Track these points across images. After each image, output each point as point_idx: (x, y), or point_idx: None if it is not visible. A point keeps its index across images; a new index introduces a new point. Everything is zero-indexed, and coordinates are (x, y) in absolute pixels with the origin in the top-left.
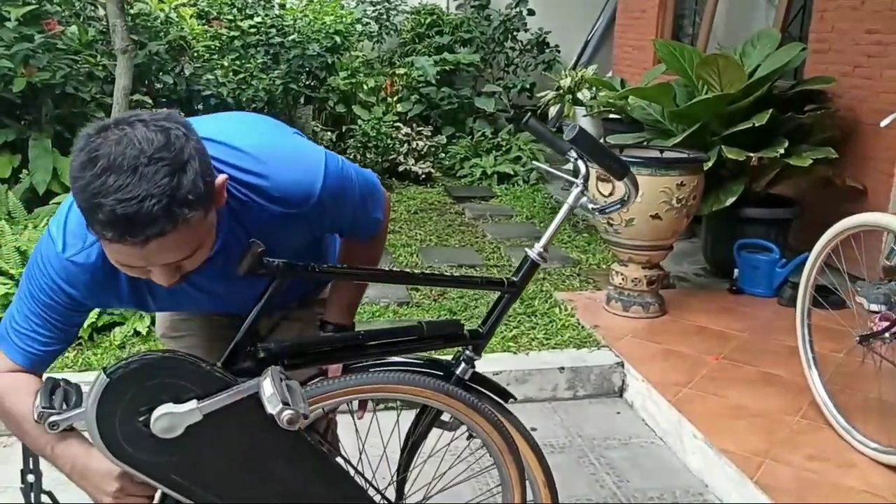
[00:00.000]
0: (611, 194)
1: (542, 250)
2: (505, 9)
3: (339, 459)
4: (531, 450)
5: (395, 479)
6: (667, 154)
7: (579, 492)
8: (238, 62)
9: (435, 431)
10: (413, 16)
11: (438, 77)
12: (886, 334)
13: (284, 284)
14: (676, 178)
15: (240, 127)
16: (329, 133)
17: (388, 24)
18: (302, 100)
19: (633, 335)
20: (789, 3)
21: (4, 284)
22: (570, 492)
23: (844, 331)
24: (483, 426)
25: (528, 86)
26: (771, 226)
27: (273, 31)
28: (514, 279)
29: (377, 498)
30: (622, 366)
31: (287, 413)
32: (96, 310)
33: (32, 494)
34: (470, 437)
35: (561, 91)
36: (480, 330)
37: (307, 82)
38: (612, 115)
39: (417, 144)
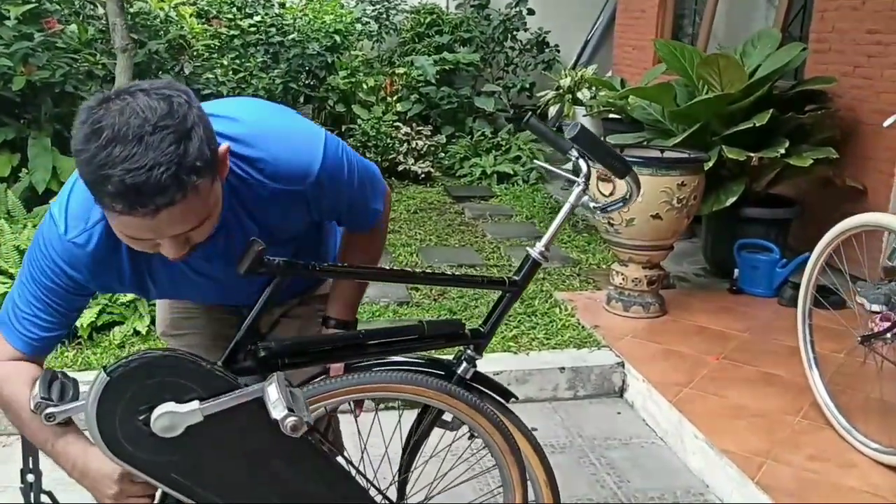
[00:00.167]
0: (611, 194)
1: (543, 249)
2: (505, 8)
3: (340, 459)
4: (533, 450)
5: (396, 479)
6: (667, 154)
7: (580, 492)
8: (238, 61)
9: (437, 431)
10: (413, 15)
11: (438, 76)
12: (888, 335)
13: (285, 282)
14: (677, 178)
15: (241, 105)
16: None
17: (387, 23)
18: (301, 99)
19: (634, 335)
20: (790, 3)
21: (3, 283)
22: (571, 492)
23: (845, 331)
24: (484, 426)
25: (527, 85)
26: (771, 226)
27: (273, 30)
28: (516, 278)
29: (378, 498)
30: (622, 366)
31: (291, 419)
32: (96, 309)
33: (32, 494)
34: (471, 437)
35: (561, 91)
36: (482, 329)
37: (307, 81)
38: (612, 115)
39: (417, 144)
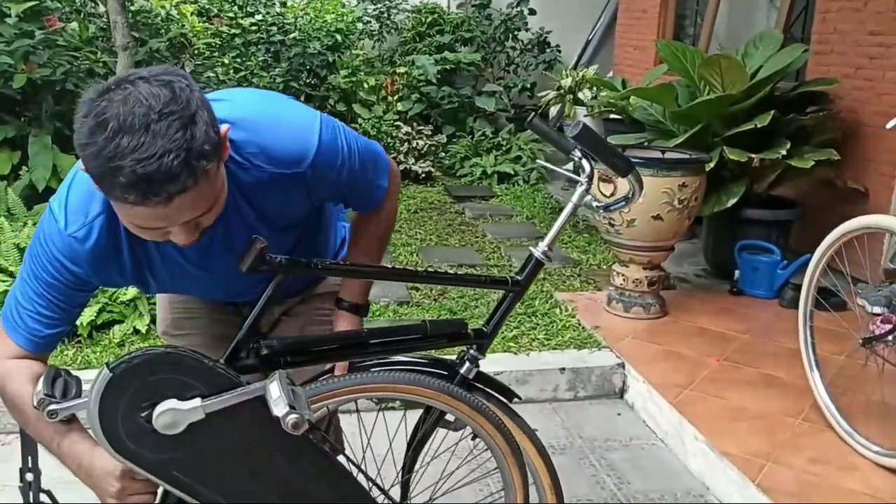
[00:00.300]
0: (612, 194)
1: (546, 249)
2: (506, 8)
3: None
4: (537, 451)
5: (399, 479)
6: (669, 155)
7: (580, 493)
8: (239, 60)
9: (441, 431)
10: (414, 14)
11: (439, 76)
12: (889, 337)
13: (286, 280)
14: (678, 178)
15: (234, 91)
16: None
17: (388, 22)
18: (302, 98)
19: (634, 336)
20: (791, 4)
21: (4, 282)
22: (571, 493)
23: (845, 333)
24: (486, 428)
25: (528, 85)
26: (772, 227)
27: (274, 28)
28: (519, 278)
29: (381, 498)
30: (623, 367)
31: (292, 417)
32: (95, 308)
33: (31, 493)
34: (474, 437)
35: (562, 91)
36: (485, 329)
37: (308, 80)
38: (613, 116)
39: (418, 143)
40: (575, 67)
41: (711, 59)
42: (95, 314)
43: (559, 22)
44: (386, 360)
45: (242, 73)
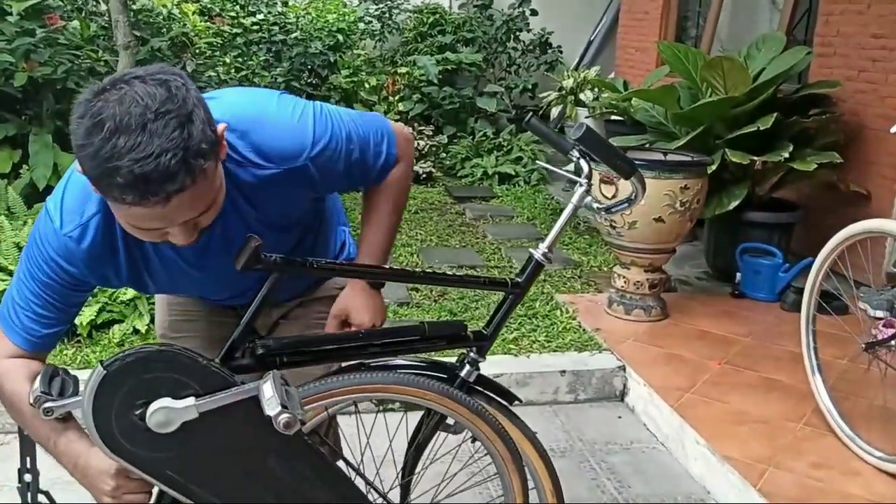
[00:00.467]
0: (614, 196)
1: (546, 250)
2: (507, 9)
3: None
4: (538, 455)
5: (398, 481)
6: (671, 157)
7: (580, 496)
8: (240, 59)
9: (441, 434)
10: (415, 15)
11: (440, 76)
12: (892, 342)
13: (283, 280)
14: (680, 181)
15: (227, 91)
16: None
17: (390, 22)
18: (304, 98)
19: (635, 339)
20: (794, 6)
21: (3, 280)
22: (571, 496)
23: (847, 337)
24: (485, 432)
25: (530, 86)
26: (774, 230)
27: (275, 28)
28: (519, 280)
29: (380, 501)
30: (624, 369)
31: (284, 416)
32: (95, 307)
33: (29, 494)
34: (474, 440)
35: (563, 92)
36: (484, 332)
37: (309, 80)
38: (614, 117)
39: (418, 144)
40: (576, 68)
41: (714, 61)
42: (95, 314)
43: (561, 23)
44: (384, 365)
45: (244, 73)
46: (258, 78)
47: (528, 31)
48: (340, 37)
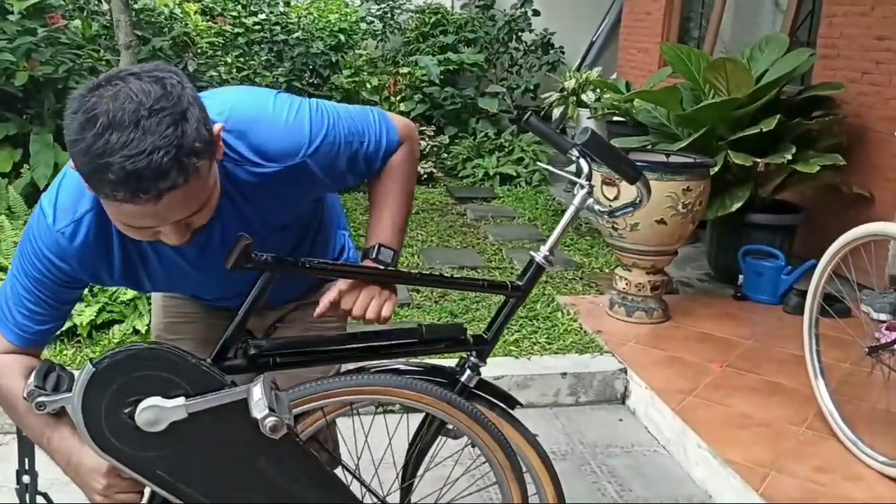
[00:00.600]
0: (616, 198)
1: (548, 253)
2: (510, 9)
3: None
4: (540, 460)
5: (397, 486)
6: (673, 159)
7: (581, 499)
8: (242, 59)
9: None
10: (417, 15)
11: (442, 77)
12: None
13: (277, 280)
14: (683, 183)
15: (221, 90)
16: None
17: (392, 22)
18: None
19: (637, 341)
20: (798, 7)
21: (3, 280)
22: (572, 499)
23: (850, 339)
24: (485, 441)
25: (531, 87)
26: (777, 232)
27: (277, 28)
28: (519, 283)
29: None
30: (625, 372)
31: (271, 419)
32: (95, 307)
33: (28, 495)
34: (474, 444)
35: (565, 93)
36: (485, 336)
37: (310, 80)
38: (616, 118)
39: (420, 144)
40: (578, 69)
41: (717, 63)
42: (95, 314)
43: (563, 23)
44: (383, 369)
45: (245, 73)
46: (260, 78)
47: (531, 31)
48: (342, 37)
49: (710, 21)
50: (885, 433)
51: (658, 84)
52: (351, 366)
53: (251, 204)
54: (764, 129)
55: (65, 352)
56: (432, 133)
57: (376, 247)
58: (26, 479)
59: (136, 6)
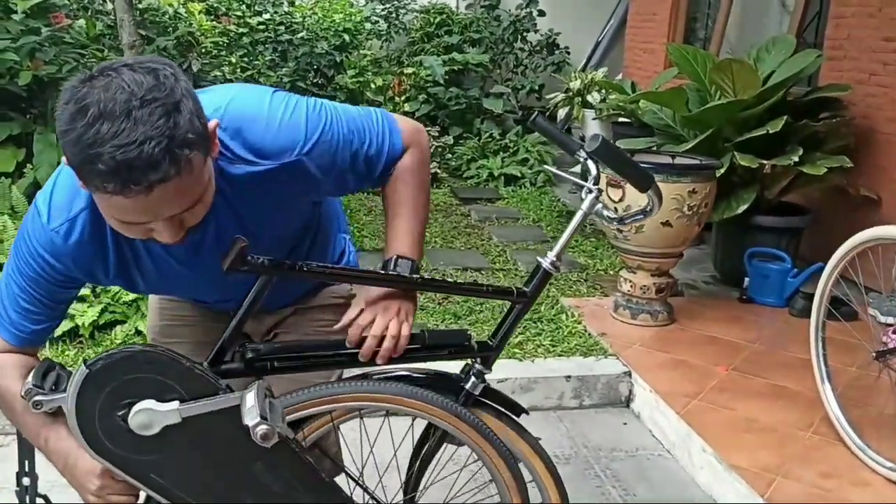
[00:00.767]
0: (621, 199)
1: (555, 259)
2: (515, 9)
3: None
4: (546, 469)
5: (401, 493)
6: (679, 160)
7: (584, 503)
8: (246, 59)
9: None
10: (422, 15)
11: (447, 77)
12: None
13: (274, 283)
14: (688, 185)
15: (218, 88)
16: None
17: (396, 22)
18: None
19: (641, 344)
20: (805, 8)
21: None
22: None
23: (857, 343)
24: (490, 455)
25: (536, 87)
26: (783, 234)
27: (282, 28)
28: (525, 289)
29: None
30: (629, 375)
31: (262, 427)
32: (98, 308)
33: (27, 497)
34: (478, 458)
35: (570, 93)
36: (490, 342)
37: (315, 80)
38: (622, 119)
39: (429, 148)
40: (584, 70)
41: (723, 64)
42: (97, 314)
43: (568, 23)
44: (387, 375)
45: (250, 73)
46: (264, 78)
47: (536, 31)
48: (347, 37)
49: (716, 22)
50: (892, 438)
51: (664, 85)
52: (354, 371)
53: (246, 203)
54: (770, 131)
55: (67, 352)
56: (437, 133)
57: (394, 258)
58: (26, 481)
59: (140, 6)
